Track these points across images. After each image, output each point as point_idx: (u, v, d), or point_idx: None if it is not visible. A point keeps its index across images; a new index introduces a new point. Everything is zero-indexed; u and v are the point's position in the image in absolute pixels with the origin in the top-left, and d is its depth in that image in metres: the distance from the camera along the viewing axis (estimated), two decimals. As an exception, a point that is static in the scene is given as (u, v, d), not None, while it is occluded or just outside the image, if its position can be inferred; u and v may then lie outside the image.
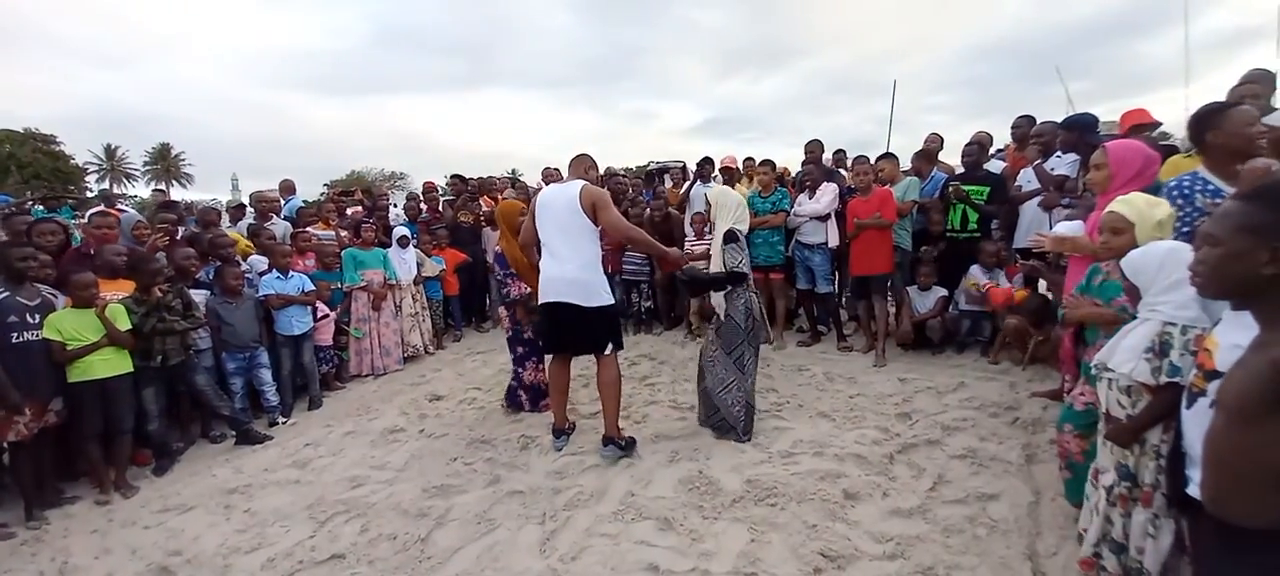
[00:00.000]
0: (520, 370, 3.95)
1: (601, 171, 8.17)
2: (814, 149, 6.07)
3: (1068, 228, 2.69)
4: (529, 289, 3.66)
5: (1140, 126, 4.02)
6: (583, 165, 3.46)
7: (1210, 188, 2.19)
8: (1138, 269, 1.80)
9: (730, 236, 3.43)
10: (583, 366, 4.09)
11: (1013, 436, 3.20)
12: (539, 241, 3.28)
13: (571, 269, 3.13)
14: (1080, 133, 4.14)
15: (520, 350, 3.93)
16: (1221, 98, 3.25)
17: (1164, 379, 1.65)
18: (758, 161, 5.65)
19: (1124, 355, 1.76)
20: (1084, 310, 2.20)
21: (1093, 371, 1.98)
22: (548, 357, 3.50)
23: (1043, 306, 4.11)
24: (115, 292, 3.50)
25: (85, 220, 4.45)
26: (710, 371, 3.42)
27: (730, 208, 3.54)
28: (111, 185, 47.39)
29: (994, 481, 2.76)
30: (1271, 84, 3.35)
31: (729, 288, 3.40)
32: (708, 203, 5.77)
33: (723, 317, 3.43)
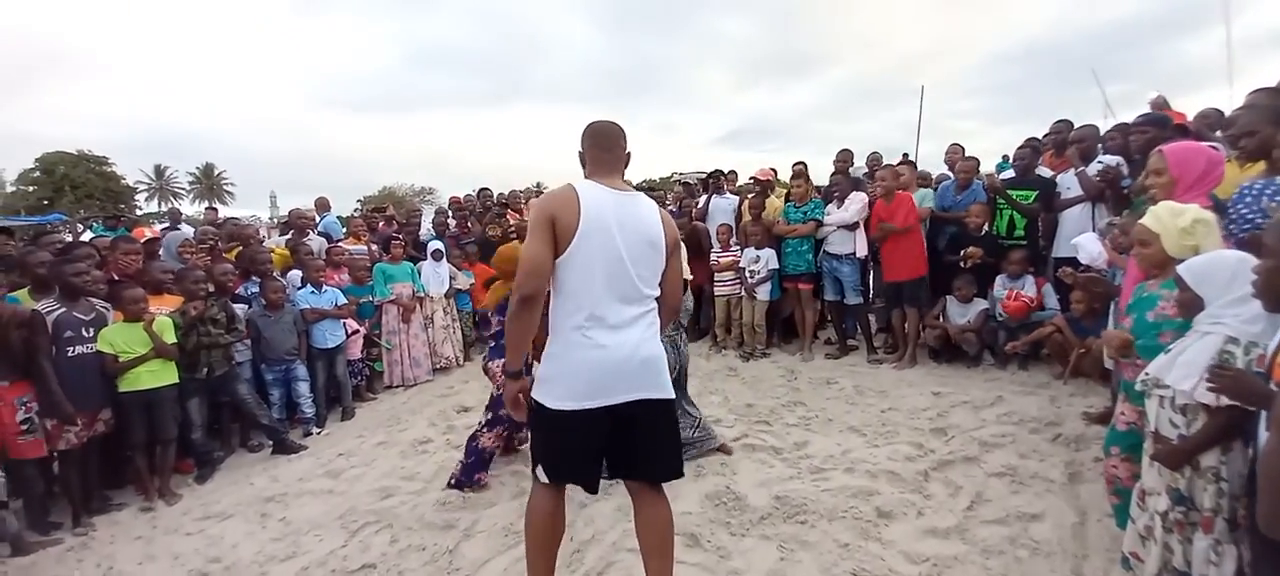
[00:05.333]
0: (482, 435, 3.12)
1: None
2: (844, 158, 6.01)
3: (1087, 240, 2.60)
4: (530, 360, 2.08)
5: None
6: (623, 148, 2.00)
7: None
8: (1202, 277, 1.69)
9: None
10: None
11: (1055, 453, 3.07)
12: (555, 284, 1.86)
13: (650, 341, 1.89)
14: (1159, 129, 3.61)
15: (497, 415, 3.11)
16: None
17: (1227, 400, 1.56)
18: (792, 172, 5.61)
19: (1182, 371, 1.67)
20: (1117, 342, 2.13)
21: (1139, 387, 1.89)
22: (541, 477, 1.91)
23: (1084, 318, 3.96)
24: (163, 307, 3.66)
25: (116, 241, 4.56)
26: None
27: None
28: (160, 203, 49.73)
29: (1035, 500, 2.65)
30: None
31: None
32: (735, 216, 5.86)
33: None
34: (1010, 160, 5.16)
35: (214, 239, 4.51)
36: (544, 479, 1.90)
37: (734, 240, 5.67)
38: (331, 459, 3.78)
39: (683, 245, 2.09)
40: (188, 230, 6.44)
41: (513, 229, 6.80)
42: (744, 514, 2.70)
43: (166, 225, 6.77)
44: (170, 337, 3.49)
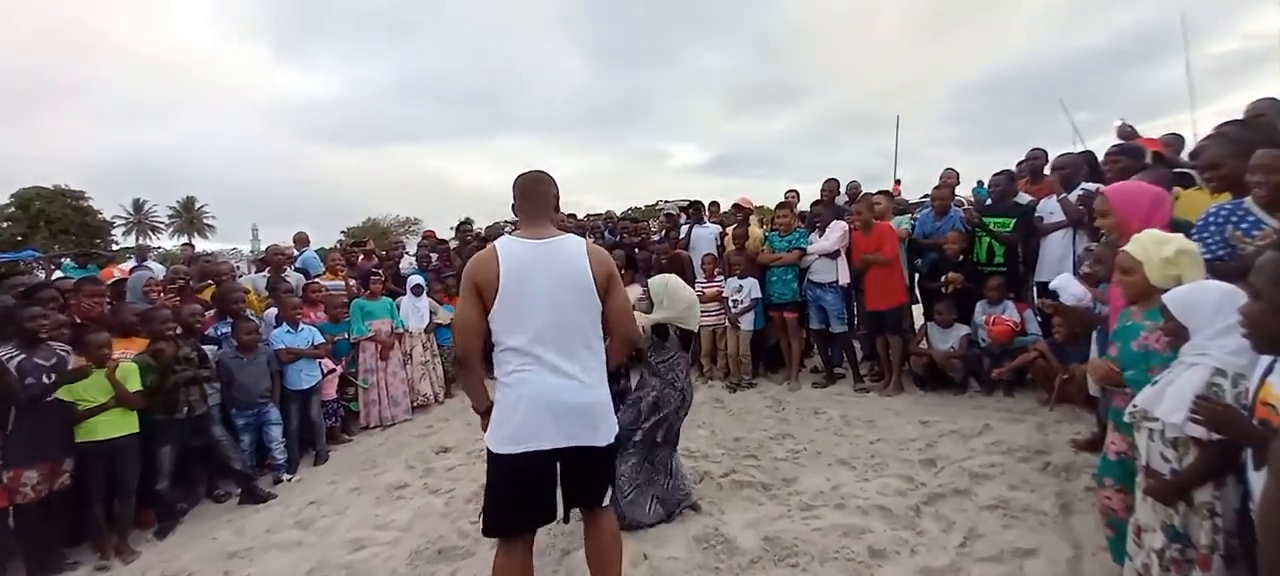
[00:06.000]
0: None
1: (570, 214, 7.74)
2: (829, 188, 6.07)
3: (1067, 282, 2.62)
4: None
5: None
6: (548, 193, 2.08)
7: (1249, 219, 2.09)
8: (1189, 308, 1.68)
9: (661, 330, 2.91)
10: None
11: (1046, 484, 3.03)
12: (492, 332, 1.95)
13: (589, 388, 1.95)
14: (1131, 159, 3.62)
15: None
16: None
17: (1217, 434, 1.52)
18: (778, 201, 5.64)
19: (1171, 404, 1.63)
20: (1102, 372, 2.10)
21: (1127, 419, 1.86)
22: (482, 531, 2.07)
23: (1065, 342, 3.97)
24: (129, 350, 3.51)
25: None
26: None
27: (681, 302, 2.94)
28: (137, 238, 48.88)
29: (1029, 535, 2.59)
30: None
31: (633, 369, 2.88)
32: (717, 245, 5.86)
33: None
34: (985, 185, 5.24)
35: (185, 277, 4.34)
36: (487, 537, 2.03)
37: (718, 270, 5.65)
38: (302, 508, 3.61)
39: (617, 280, 2.06)
40: (157, 267, 6.27)
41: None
42: (733, 557, 2.61)
43: (133, 263, 6.58)
44: (135, 384, 3.35)
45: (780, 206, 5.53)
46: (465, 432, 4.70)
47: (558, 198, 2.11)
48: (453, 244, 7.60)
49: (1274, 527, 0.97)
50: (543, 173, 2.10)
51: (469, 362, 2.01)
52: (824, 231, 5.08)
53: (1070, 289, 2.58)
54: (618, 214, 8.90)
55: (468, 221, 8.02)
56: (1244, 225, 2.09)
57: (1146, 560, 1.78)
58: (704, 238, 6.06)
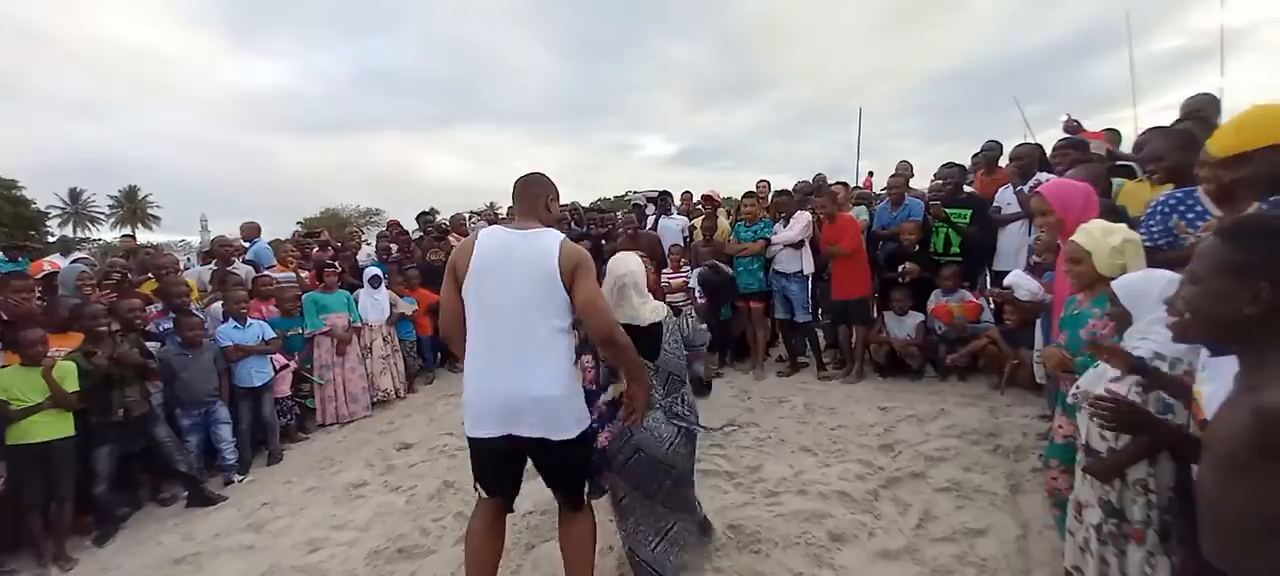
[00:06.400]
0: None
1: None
2: (801, 186, 6.13)
3: (1021, 279, 2.72)
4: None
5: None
6: (539, 194, 2.13)
7: (1197, 209, 2.17)
8: (1135, 294, 1.75)
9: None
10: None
11: (996, 465, 3.15)
12: (467, 320, 1.99)
13: (539, 381, 1.91)
14: (1079, 151, 3.85)
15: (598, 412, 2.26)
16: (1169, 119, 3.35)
17: (1124, 432, 1.60)
18: (746, 192, 5.68)
19: (1112, 387, 1.71)
20: (1056, 360, 2.18)
21: (1071, 401, 1.94)
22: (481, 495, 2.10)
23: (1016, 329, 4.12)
24: (63, 347, 3.31)
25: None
26: (632, 519, 2.26)
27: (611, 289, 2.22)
28: (74, 229, 46.11)
29: (980, 515, 2.69)
30: (1217, 107, 3.44)
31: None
32: (684, 236, 5.86)
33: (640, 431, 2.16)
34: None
35: (122, 270, 4.07)
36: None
37: (685, 260, 5.66)
38: (254, 509, 3.47)
39: (593, 270, 1.98)
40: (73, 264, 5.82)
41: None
42: (698, 547, 2.62)
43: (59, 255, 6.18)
44: (72, 384, 3.16)
45: (747, 195, 5.56)
46: (428, 429, 4.60)
47: (551, 198, 2.17)
48: (416, 234, 7.42)
49: (1214, 509, 1.01)
50: (538, 174, 2.19)
51: (449, 342, 2.13)
52: (789, 222, 5.14)
53: (1025, 286, 2.69)
54: (584, 206, 8.82)
55: (431, 212, 7.81)
56: (1190, 215, 2.18)
57: (1086, 535, 1.86)
58: (671, 229, 6.06)
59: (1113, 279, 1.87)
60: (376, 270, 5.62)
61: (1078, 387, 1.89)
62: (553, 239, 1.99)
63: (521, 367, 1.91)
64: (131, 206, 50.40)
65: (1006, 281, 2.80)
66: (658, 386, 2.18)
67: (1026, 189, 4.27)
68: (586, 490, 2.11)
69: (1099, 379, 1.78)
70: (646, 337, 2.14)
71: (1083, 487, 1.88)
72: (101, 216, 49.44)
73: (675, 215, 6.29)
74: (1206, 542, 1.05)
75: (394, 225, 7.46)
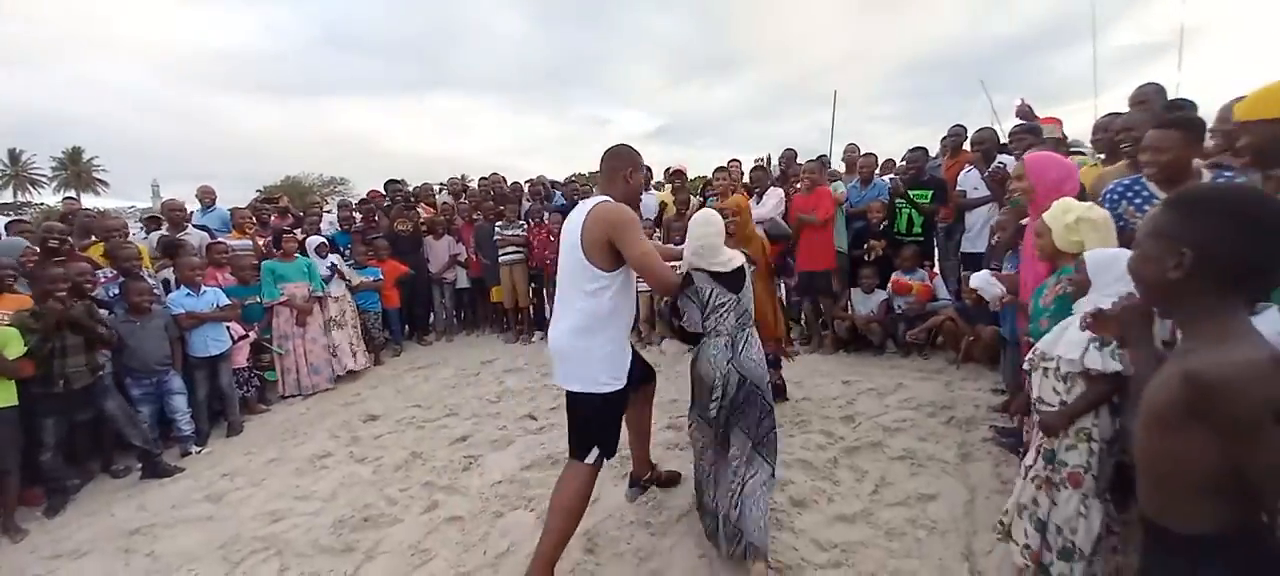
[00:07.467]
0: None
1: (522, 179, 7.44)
2: (786, 157, 6.18)
3: (983, 281, 2.83)
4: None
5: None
6: (619, 166, 2.26)
7: (1145, 193, 2.28)
8: (1101, 267, 1.84)
9: (687, 279, 2.35)
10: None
11: (948, 435, 3.29)
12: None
13: (558, 334, 2.19)
14: (1034, 135, 4.03)
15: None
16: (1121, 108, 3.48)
17: (1113, 366, 1.69)
18: (717, 167, 5.69)
19: (1070, 344, 1.80)
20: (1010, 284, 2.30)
21: (1027, 366, 2.03)
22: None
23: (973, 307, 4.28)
24: (3, 311, 3.14)
25: None
26: (723, 481, 2.32)
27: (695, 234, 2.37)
28: (15, 193, 43.40)
29: (932, 481, 2.82)
30: (1163, 96, 3.58)
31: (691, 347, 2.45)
32: (659, 209, 5.85)
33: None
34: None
35: (60, 236, 3.80)
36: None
37: (656, 236, 5.66)
38: (213, 480, 3.40)
39: (633, 226, 2.08)
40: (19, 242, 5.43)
41: (424, 223, 6.46)
42: (664, 513, 2.69)
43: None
44: (15, 350, 3.00)
45: (718, 170, 5.58)
46: (395, 401, 4.55)
47: (631, 171, 2.28)
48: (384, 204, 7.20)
49: (1148, 464, 1.08)
50: (622, 146, 2.34)
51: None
52: (761, 198, 5.19)
53: (990, 291, 2.81)
54: (556, 181, 8.65)
55: (398, 182, 7.57)
56: (1138, 200, 2.29)
57: (1024, 486, 1.97)
58: (645, 205, 6.04)
59: (1072, 255, 1.96)
60: (321, 238, 5.39)
61: (1035, 352, 1.98)
62: (585, 207, 2.15)
63: (556, 325, 2.23)
64: (75, 169, 47.57)
65: (972, 283, 2.91)
66: (732, 319, 2.32)
67: (989, 172, 4.41)
68: (593, 455, 2.18)
69: (1056, 342, 1.87)
70: (734, 277, 2.34)
71: (1032, 447, 1.98)
72: (43, 179, 46.61)
73: (651, 191, 6.27)
74: (1142, 496, 1.12)
75: (375, 195, 7.15)
